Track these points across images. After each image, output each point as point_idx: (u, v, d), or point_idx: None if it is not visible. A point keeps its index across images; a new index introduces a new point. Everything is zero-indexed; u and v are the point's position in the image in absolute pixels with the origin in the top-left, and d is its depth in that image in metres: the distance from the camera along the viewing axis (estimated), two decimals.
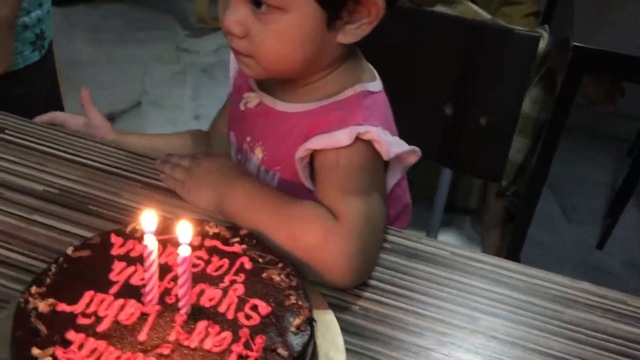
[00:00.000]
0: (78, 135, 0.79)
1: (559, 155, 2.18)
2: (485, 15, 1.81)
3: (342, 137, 0.63)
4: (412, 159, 0.69)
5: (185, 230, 0.49)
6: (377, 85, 0.70)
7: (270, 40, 0.63)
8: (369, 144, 0.64)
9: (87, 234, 0.64)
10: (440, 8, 1.76)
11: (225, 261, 0.56)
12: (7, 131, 0.77)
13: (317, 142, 0.64)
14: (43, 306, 0.49)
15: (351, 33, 0.65)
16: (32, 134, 0.78)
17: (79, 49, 2.77)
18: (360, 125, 0.63)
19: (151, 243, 0.49)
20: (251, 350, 0.48)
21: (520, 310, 0.62)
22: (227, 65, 2.70)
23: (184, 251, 0.48)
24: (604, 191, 2.24)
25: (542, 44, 1.75)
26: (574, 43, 1.35)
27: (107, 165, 0.74)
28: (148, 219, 0.49)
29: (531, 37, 0.97)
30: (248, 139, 0.74)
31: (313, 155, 0.66)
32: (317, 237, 0.60)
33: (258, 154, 0.73)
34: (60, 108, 1.43)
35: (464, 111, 1.04)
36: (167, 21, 3.12)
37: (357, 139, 0.63)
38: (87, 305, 0.50)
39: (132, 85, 2.62)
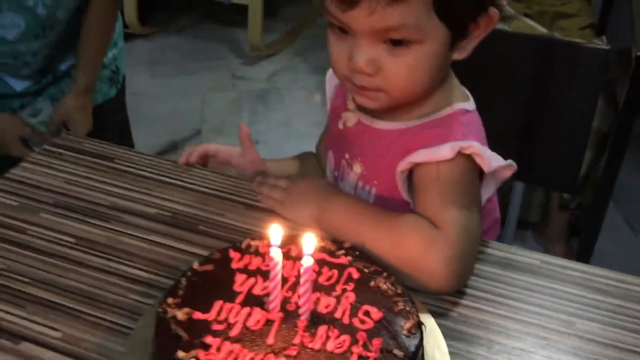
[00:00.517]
0: (176, 162, 0.86)
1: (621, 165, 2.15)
2: (541, 29, 1.83)
3: (445, 151, 0.67)
4: (508, 173, 0.72)
5: (309, 243, 0.54)
6: (471, 104, 0.74)
7: (407, 73, 0.66)
8: (469, 158, 0.68)
9: (200, 251, 0.70)
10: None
11: (335, 272, 0.60)
12: (116, 160, 0.85)
13: (420, 156, 0.68)
14: (181, 315, 0.55)
15: (465, 48, 0.69)
16: (138, 162, 0.85)
17: (139, 81, 2.90)
18: (461, 140, 0.67)
19: (277, 255, 0.54)
20: (369, 351, 0.52)
21: (615, 314, 0.65)
22: (280, 91, 2.77)
23: (307, 262, 0.53)
24: None
25: None
26: (637, 53, 1.36)
27: (210, 189, 0.81)
28: (274, 233, 0.54)
29: (599, 50, 1.00)
30: (347, 155, 0.79)
31: (412, 169, 0.70)
32: (420, 245, 0.64)
33: (357, 169, 0.77)
34: (131, 138, 1.52)
35: (536, 126, 1.07)
36: (221, 51, 3.24)
37: (459, 153, 0.67)
38: (219, 313, 0.55)
39: (192, 114, 2.72)
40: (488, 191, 0.75)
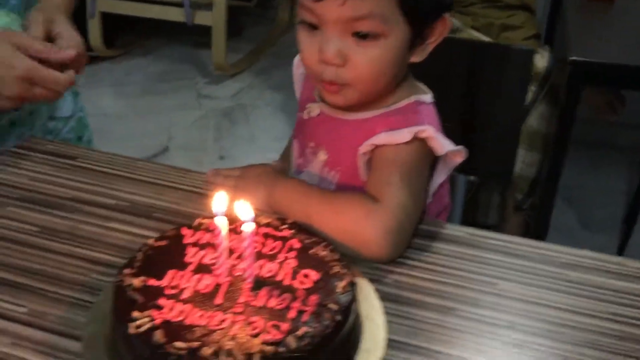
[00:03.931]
0: (135, 158, 0.92)
1: (573, 168, 2.27)
2: (486, 40, 1.94)
3: (404, 134, 0.74)
4: (458, 159, 0.79)
5: (246, 210, 0.60)
6: (428, 98, 0.82)
7: (372, 64, 0.72)
8: (424, 142, 0.75)
9: (156, 235, 0.75)
10: None
11: (278, 243, 0.67)
12: (77, 159, 0.90)
13: (381, 138, 0.75)
14: (136, 282, 0.60)
15: (420, 53, 0.77)
16: (98, 159, 0.90)
17: (106, 103, 2.95)
18: (417, 126, 0.74)
19: (221, 222, 0.60)
20: (307, 306, 0.58)
21: (533, 275, 0.72)
22: (245, 108, 2.85)
23: (248, 227, 0.59)
24: (620, 199, 2.32)
25: (544, 63, 1.87)
26: (571, 57, 1.47)
27: (165, 181, 0.86)
28: (218, 199, 0.60)
29: (526, 51, 1.09)
30: (311, 144, 0.85)
31: (373, 151, 0.77)
32: (359, 215, 0.70)
33: (321, 156, 0.84)
34: None
35: (473, 122, 1.16)
36: (187, 71, 3.30)
37: (415, 137, 0.74)
38: (171, 280, 0.61)
39: (159, 132, 2.78)
40: (440, 177, 0.82)
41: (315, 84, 0.79)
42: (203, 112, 2.95)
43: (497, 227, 2.20)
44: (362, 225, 0.70)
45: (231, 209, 0.63)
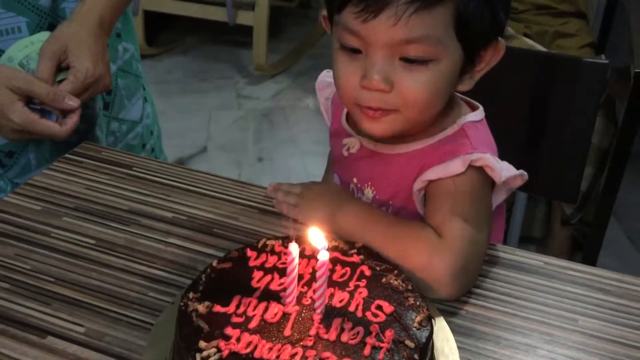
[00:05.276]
0: (195, 170, 0.89)
1: (623, 182, 2.18)
2: (540, 48, 1.87)
3: (456, 165, 0.68)
4: (519, 182, 0.72)
5: (320, 238, 0.56)
6: (477, 114, 0.75)
7: (422, 89, 0.66)
8: (480, 170, 0.69)
9: (216, 253, 0.73)
10: None
11: (347, 269, 0.63)
12: (134, 168, 0.88)
13: (433, 173, 0.70)
14: (202, 308, 0.57)
15: (467, 82, 0.71)
16: (155, 169, 0.88)
17: None
18: (471, 154, 0.69)
19: (294, 251, 0.56)
20: (382, 342, 0.54)
21: (617, 312, 0.67)
22: (285, 109, 2.82)
23: (323, 256, 0.56)
24: None
25: None
26: (636, 70, 1.40)
27: (224, 194, 0.83)
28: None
29: (598, 64, 1.03)
30: (354, 180, 0.79)
31: (427, 186, 0.72)
32: (424, 256, 0.66)
33: (368, 194, 0.78)
34: None
35: (538, 137, 1.10)
36: (227, 70, 3.29)
37: (470, 166, 0.68)
38: (237, 307, 0.58)
39: (198, 132, 2.77)
40: (499, 198, 0.76)
41: (351, 112, 0.72)
42: (242, 113, 2.94)
43: (542, 241, 2.13)
44: (426, 268, 0.66)
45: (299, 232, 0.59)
